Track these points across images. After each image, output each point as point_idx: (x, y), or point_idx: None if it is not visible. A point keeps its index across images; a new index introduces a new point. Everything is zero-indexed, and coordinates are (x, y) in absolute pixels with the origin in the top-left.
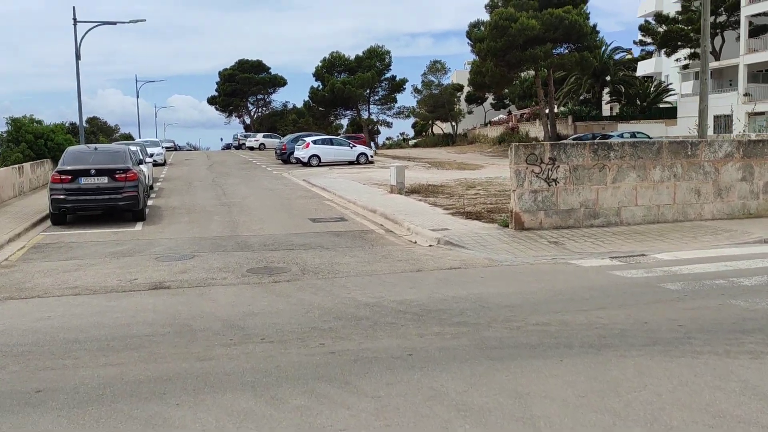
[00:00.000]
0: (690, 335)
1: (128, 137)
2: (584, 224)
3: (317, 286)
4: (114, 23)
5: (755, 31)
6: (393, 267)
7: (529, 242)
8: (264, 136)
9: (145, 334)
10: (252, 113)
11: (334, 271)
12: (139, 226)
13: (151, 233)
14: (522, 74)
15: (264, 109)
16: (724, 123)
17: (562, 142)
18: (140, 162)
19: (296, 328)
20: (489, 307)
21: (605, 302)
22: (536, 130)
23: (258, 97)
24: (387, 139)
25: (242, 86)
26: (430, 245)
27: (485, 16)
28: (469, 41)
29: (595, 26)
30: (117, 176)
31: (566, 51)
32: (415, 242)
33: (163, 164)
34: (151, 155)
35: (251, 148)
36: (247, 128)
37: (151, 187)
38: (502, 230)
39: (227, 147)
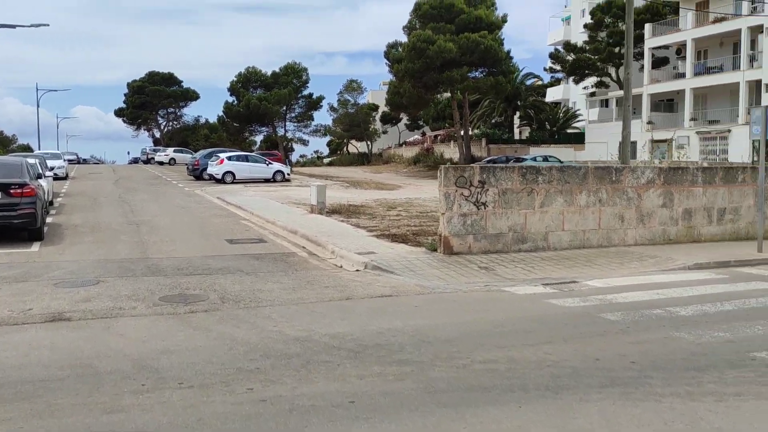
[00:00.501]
0: (645, 374)
1: (26, 148)
2: (513, 249)
3: (239, 317)
4: (14, 26)
5: (657, 63)
6: (320, 294)
7: (459, 267)
8: (175, 151)
9: (40, 378)
10: (162, 127)
11: (257, 299)
12: (35, 247)
13: (50, 255)
14: (436, 96)
15: (175, 123)
16: (629, 149)
17: (491, 165)
18: (39, 176)
19: (219, 369)
20: (429, 342)
21: (550, 335)
22: (451, 151)
23: (169, 110)
24: (301, 156)
25: (152, 99)
26: (357, 270)
27: (402, 37)
28: (387, 62)
29: (509, 52)
30: (12, 192)
31: (481, 75)
32: (341, 266)
33: (65, 178)
34: (52, 168)
35: (161, 163)
36: (156, 142)
37: (51, 203)
38: (431, 254)
39: (135, 161)
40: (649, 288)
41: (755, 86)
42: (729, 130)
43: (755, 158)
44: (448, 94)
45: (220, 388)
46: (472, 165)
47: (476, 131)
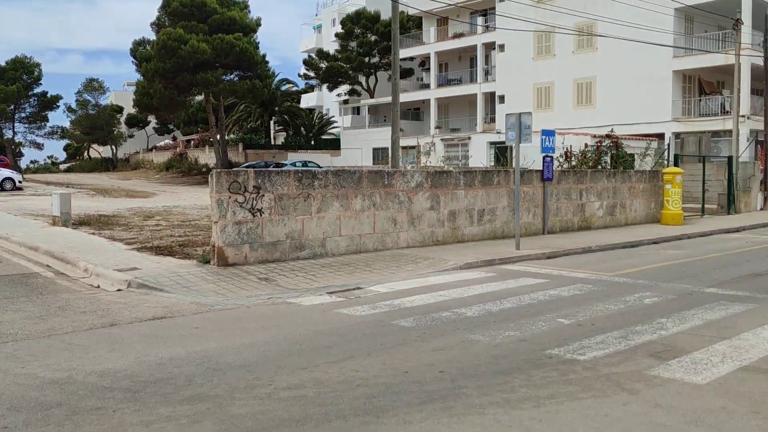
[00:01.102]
0: (458, 384)
1: None
2: (291, 257)
3: None
4: None
5: (404, 74)
6: (77, 322)
7: (237, 280)
8: None
9: None
10: None
11: None
12: None
13: None
14: (190, 99)
15: None
16: (381, 155)
17: (266, 169)
18: None
19: None
20: (221, 369)
21: (351, 350)
22: (206, 156)
23: None
24: (32, 162)
25: None
26: (119, 289)
27: (150, 35)
28: (134, 60)
29: (264, 56)
30: None
31: (237, 78)
32: (99, 286)
33: None
34: None
35: None
36: None
37: None
38: (204, 267)
39: None
40: (432, 290)
41: (490, 97)
42: (469, 138)
43: (493, 162)
44: (202, 97)
45: None
46: (246, 169)
47: (232, 136)
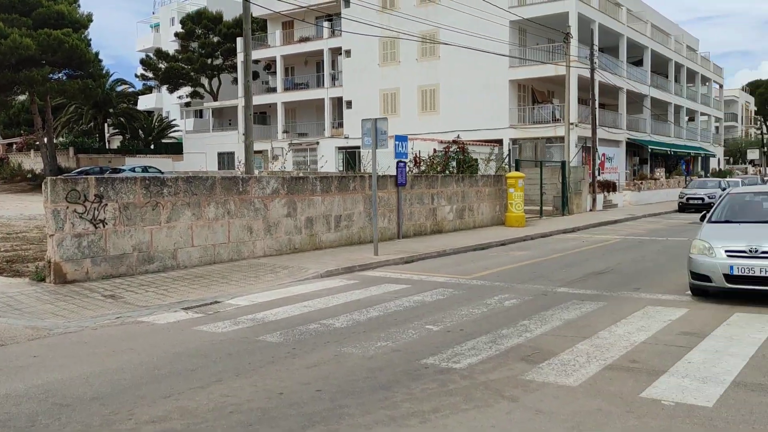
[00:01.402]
0: (338, 402)
1: None
2: (139, 270)
3: None
4: None
5: (253, 76)
6: None
7: (79, 299)
8: None
9: None
10: None
11: None
12: None
13: None
14: (12, 99)
15: None
16: (227, 160)
17: (108, 176)
18: None
19: None
20: (70, 405)
21: (218, 372)
22: (32, 161)
23: None
24: None
25: None
26: None
27: None
28: None
29: (97, 54)
30: None
31: (66, 77)
32: None
33: None
34: None
35: None
36: None
37: None
38: (38, 285)
39: None
40: (295, 301)
41: (337, 102)
42: (318, 142)
43: (343, 168)
44: (26, 97)
45: None
46: (86, 177)
47: (62, 139)
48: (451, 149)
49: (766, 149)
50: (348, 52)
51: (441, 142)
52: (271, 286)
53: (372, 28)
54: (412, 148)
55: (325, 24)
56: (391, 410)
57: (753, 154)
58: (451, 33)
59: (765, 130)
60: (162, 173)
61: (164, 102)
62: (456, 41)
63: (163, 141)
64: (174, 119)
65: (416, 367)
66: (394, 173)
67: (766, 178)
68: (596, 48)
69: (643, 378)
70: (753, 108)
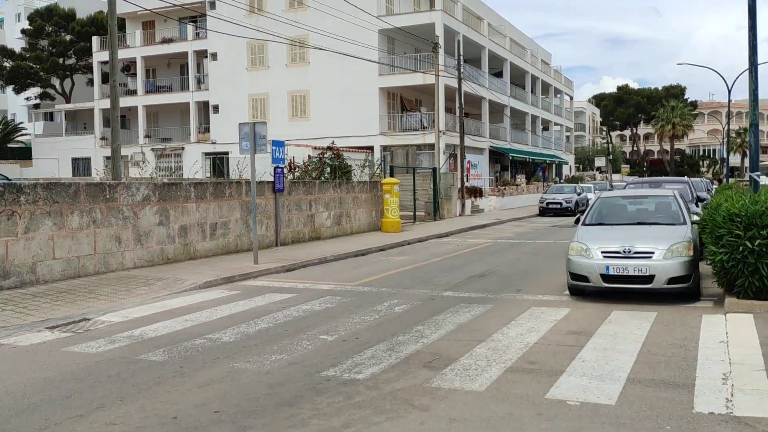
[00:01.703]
0: (241, 424)
1: None
2: None
3: None
4: None
5: (105, 78)
6: None
7: None
8: None
9: None
10: None
11: None
12: None
13: None
14: None
15: None
16: (83, 166)
17: None
18: None
19: None
20: None
21: (97, 397)
22: None
23: None
24: None
25: None
26: None
27: None
28: None
29: None
30: None
31: None
32: None
33: None
34: None
35: None
36: None
37: None
38: None
39: None
40: (176, 315)
41: (204, 106)
42: (183, 148)
43: (210, 174)
44: None
45: None
46: None
47: None
48: (326, 155)
49: (611, 157)
50: (215, 55)
51: (315, 148)
52: (146, 299)
53: (239, 29)
54: (287, 154)
55: (190, 25)
56: (299, 428)
57: (600, 162)
58: (321, 38)
59: (609, 140)
60: (8, 180)
61: (9, 103)
62: (326, 47)
63: (9, 146)
64: (21, 122)
65: (318, 380)
66: (270, 179)
67: (613, 184)
68: (462, 58)
69: (544, 379)
70: (599, 119)
